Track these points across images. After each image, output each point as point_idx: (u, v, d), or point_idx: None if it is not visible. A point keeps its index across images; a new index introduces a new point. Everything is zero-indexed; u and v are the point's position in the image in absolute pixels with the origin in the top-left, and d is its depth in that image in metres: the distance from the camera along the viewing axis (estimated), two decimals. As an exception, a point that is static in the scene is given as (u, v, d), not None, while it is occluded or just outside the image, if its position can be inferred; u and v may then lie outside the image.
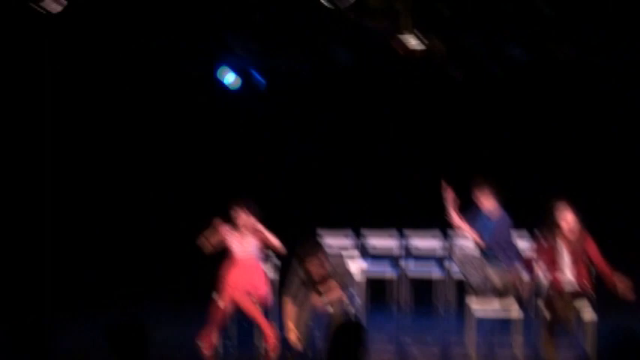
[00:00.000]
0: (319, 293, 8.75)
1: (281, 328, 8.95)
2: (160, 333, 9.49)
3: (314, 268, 8.73)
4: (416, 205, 12.09)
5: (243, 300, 8.98)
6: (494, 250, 9.15)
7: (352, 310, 9.01)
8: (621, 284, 8.17)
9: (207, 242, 9.14)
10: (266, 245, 9.19)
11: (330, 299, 8.77)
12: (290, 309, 8.75)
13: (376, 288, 11.31)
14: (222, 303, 8.99)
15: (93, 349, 8.75)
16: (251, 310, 8.99)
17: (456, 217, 9.33)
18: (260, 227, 9.18)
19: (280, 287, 9.35)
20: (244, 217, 9.17)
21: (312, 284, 8.77)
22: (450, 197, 9.36)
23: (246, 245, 9.21)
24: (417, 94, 12.74)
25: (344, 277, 8.90)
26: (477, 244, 9.32)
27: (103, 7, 10.40)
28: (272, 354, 8.92)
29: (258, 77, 12.47)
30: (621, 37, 11.17)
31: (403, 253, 11.56)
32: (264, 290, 9.19)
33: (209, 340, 9.00)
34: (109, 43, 11.41)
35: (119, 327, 7.89)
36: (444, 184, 9.38)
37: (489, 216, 9.19)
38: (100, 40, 11.28)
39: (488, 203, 9.23)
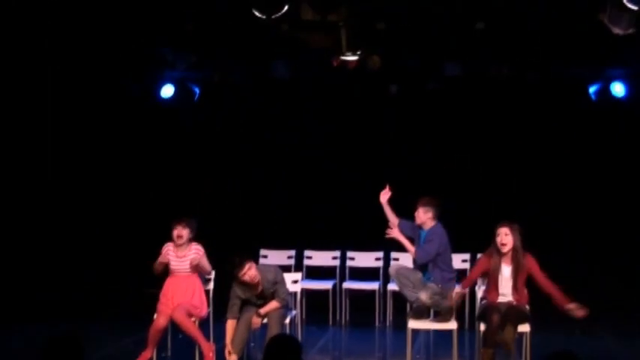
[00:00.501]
0: (258, 313, 8.74)
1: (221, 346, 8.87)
2: (100, 348, 9.47)
3: (248, 278, 8.70)
4: (358, 226, 12.16)
5: (181, 317, 8.94)
6: (424, 261, 9.17)
7: (287, 321, 8.99)
8: (571, 305, 8.32)
9: (157, 265, 9.18)
10: (197, 266, 9.17)
11: (267, 311, 8.76)
12: (231, 329, 8.70)
13: (314, 303, 11.35)
14: (160, 319, 8.95)
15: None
16: (188, 328, 8.95)
17: (394, 222, 9.36)
18: (197, 247, 9.19)
19: (219, 307, 9.30)
20: (184, 234, 9.16)
21: (250, 297, 8.76)
22: (385, 200, 9.42)
23: (184, 262, 9.19)
24: (354, 107, 12.78)
25: (280, 289, 8.87)
26: (411, 254, 9.33)
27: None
28: None
29: (193, 88, 12.41)
30: (552, 53, 11.42)
31: (346, 271, 11.57)
32: (201, 307, 9.16)
33: (145, 357, 8.95)
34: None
35: (57, 340, 7.79)
36: (386, 187, 9.42)
37: (422, 227, 9.20)
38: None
39: (424, 215, 9.20)
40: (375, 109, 12.75)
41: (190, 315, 9.01)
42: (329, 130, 12.85)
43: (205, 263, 9.18)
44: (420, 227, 9.18)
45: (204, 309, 9.20)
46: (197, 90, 12.44)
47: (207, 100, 12.60)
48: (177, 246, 9.17)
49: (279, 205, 12.74)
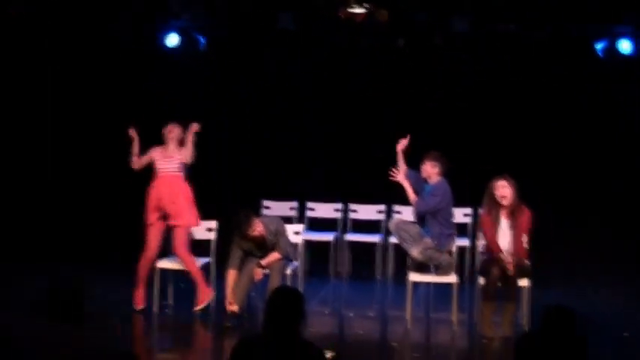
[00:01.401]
0: (260, 264, 8.80)
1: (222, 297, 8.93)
2: (100, 292, 9.55)
3: (257, 234, 8.76)
4: (362, 178, 12.18)
5: (184, 254, 8.94)
6: (425, 214, 9.21)
7: (289, 272, 9.05)
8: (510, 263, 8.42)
9: (136, 157, 9.10)
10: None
11: (268, 262, 8.83)
12: (232, 280, 8.76)
13: (316, 254, 11.42)
14: (149, 252, 8.95)
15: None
16: (192, 269, 8.98)
17: (402, 168, 9.33)
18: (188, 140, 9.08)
19: (221, 258, 9.34)
20: (175, 131, 9.09)
21: (251, 249, 8.83)
22: (401, 148, 9.42)
23: (172, 162, 9.07)
24: (359, 60, 12.74)
25: (281, 240, 8.92)
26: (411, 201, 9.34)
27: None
28: (199, 306, 8.96)
29: (199, 38, 12.36)
30: (559, 11, 11.38)
31: (348, 223, 11.61)
32: (190, 214, 9.06)
33: (139, 295, 9.01)
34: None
35: (59, 285, 7.87)
36: (407, 137, 9.41)
37: (428, 180, 9.22)
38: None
39: (431, 169, 9.21)
40: (382, 63, 12.70)
41: (171, 216, 8.97)
42: (334, 82, 12.81)
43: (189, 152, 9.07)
44: (425, 181, 9.21)
45: (192, 217, 9.11)
46: (202, 40, 12.38)
47: (213, 50, 12.54)
48: (165, 147, 9.09)
49: (282, 157, 12.73)
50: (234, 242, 8.82)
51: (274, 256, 8.83)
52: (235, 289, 8.71)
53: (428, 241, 9.02)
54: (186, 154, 9.05)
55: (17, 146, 12.59)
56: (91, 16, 11.63)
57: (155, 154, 9.11)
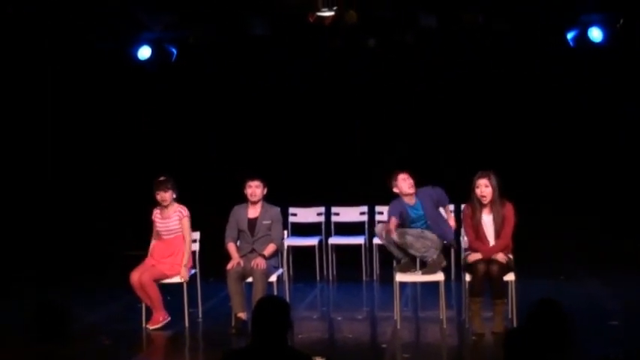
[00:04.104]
0: (263, 255, 8.90)
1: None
2: (87, 314, 9.50)
3: (250, 191, 9.05)
4: (342, 181, 12.18)
5: (146, 280, 8.92)
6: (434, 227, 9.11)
7: (275, 279, 9.04)
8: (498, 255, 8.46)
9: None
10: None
11: (269, 253, 8.92)
12: (233, 251, 8.99)
13: (301, 259, 11.40)
14: (133, 276, 8.95)
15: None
16: (149, 292, 8.94)
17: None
18: (181, 208, 9.19)
19: (205, 267, 9.35)
20: (166, 196, 9.12)
21: (244, 228, 9.04)
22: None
23: (169, 223, 9.18)
24: (333, 63, 12.73)
25: (277, 228, 9.09)
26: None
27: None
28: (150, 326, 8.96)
29: (170, 49, 12.31)
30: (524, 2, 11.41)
31: (332, 226, 11.62)
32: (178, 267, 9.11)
33: (156, 319, 9.00)
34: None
35: (44, 307, 7.85)
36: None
37: (409, 197, 9.06)
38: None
39: (408, 183, 9.07)
40: (354, 64, 12.70)
41: (164, 277, 9.03)
42: (308, 86, 12.81)
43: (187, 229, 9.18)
44: (405, 200, 8.99)
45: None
46: (174, 50, 12.34)
47: (185, 60, 12.50)
48: (162, 208, 9.18)
49: (261, 164, 12.70)
50: (232, 215, 9.10)
51: (271, 247, 8.99)
52: (234, 296, 8.76)
53: (433, 236, 8.97)
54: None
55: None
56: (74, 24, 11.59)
57: (156, 218, 9.21)
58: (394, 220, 8.86)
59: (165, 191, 9.10)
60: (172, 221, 9.15)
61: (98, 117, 12.91)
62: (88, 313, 9.54)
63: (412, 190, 8.96)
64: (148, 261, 9.12)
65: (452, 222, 9.16)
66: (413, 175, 8.98)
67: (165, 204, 9.12)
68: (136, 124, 13.06)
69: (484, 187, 8.56)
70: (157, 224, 9.21)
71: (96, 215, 12.79)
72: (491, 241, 8.58)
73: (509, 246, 8.61)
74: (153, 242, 9.24)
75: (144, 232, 9.44)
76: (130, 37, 12.05)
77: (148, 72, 12.47)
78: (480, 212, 8.60)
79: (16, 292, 10.71)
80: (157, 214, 9.23)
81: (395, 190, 9.00)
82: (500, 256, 8.47)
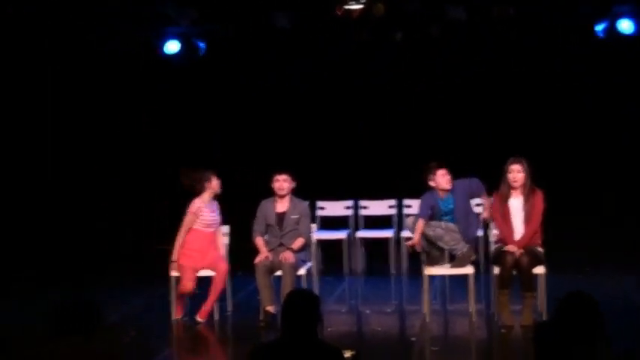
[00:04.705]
0: (291, 249, 8.90)
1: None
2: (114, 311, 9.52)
3: (277, 185, 9.03)
4: (370, 174, 12.15)
5: (224, 277, 8.97)
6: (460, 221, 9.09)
7: (304, 272, 9.05)
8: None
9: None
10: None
11: (297, 246, 8.93)
12: (261, 245, 8.98)
13: (329, 253, 11.40)
14: (188, 284, 8.92)
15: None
16: (220, 289, 8.99)
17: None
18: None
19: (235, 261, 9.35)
20: (216, 183, 9.10)
21: (272, 222, 9.04)
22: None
23: (216, 215, 9.12)
24: (359, 56, 12.71)
25: (305, 222, 9.08)
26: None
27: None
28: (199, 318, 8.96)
29: (198, 43, 12.32)
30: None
31: (360, 219, 11.60)
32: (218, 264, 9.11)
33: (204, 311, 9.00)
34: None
35: (70, 304, 7.84)
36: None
37: (443, 192, 9.03)
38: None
39: (443, 182, 9.05)
40: (382, 57, 12.68)
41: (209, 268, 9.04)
42: (334, 79, 12.81)
43: None
44: (438, 195, 9.02)
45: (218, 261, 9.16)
46: (202, 45, 12.35)
47: (213, 54, 12.52)
48: (208, 200, 9.09)
49: (289, 157, 12.71)
50: (260, 210, 9.07)
51: (299, 241, 8.97)
52: (262, 294, 8.78)
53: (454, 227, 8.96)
54: None
55: (17, 147, 12.59)
56: (89, 22, 11.62)
57: (203, 212, 9.08)
58: (420, 225, 8.92)
59: (217, 178, 9.09)
60: (217, 213, 9.13)
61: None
62: (117, 307, 9.55)
63: (449, 186, 8.99)
64: (193, 257, 9.00)
65: (486, 213, 9.10)
66: (450, 171, 8.99)
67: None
68: (160, 119, 13.11)
69: (517, 173, 8.57)
70: (208, 217, 9.08)
71: (116, 210, 12.81)
72: (519, 228, 8.56)
73: (537, 232, 8.58)
74: (188, 235, 9.05)
75: (171, 225, 9.40)
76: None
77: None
78: (510, 197, 8.58)
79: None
80: (200, 207, 9.04)
81: (431, 183, 9.02)
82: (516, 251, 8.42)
